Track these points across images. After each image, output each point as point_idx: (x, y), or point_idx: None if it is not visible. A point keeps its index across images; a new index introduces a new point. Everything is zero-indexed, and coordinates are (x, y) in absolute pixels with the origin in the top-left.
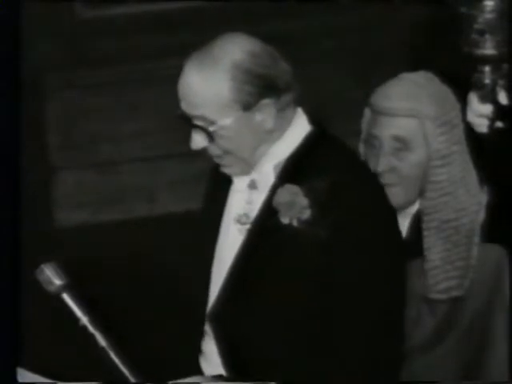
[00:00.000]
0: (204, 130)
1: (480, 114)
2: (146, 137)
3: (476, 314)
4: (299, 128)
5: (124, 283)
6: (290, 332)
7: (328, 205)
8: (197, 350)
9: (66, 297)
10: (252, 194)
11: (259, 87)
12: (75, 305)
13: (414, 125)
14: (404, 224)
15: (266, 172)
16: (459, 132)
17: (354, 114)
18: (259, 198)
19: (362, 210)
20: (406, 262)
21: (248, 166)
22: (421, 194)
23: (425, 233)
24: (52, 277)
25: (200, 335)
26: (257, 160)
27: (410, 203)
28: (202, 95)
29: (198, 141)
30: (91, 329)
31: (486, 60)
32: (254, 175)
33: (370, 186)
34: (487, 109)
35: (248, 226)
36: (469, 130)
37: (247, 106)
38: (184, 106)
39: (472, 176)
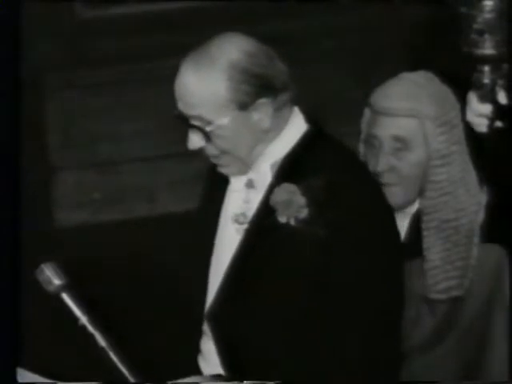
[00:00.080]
0: (201, 129)
1: (479, 113)
2: (146, 137)
3: (476, 314)
4: (296, 127)
5: (124, 283)
6: (288, 331)
7: (325, 204)
8: (195, 350)
9: (65, 297)
10: (249, 193)
11: (256, 87)
12: (75, 305)
13: (413, 125)
14: (403, 224)
15: (264, 171)
16: (459, 132)
17: (354, 114)
18: (256, 198)
19: (359, 208)
20: (403, 261)
21: (245, 166)
22: (420, 193)
23: (424, 233)
24: (52, 277)
25: (198, 335)
26: (254, 159)
27: (410, 203)
28: (199, 95)
29: (195, 141)
30: (91, 329)
31: (485, 60)
32: (251, 175)
33: (368, 184)
34: (487, 108)
35: (245, 226)
36: (468, 129)
37: (244, 106)
38: (181, 106)
39: (472, 176)
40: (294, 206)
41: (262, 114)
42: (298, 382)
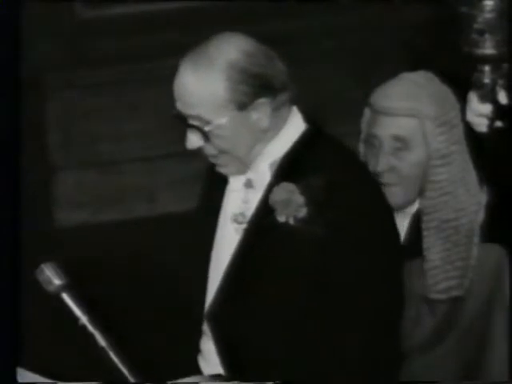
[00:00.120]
0: (199, 129)
1: (480, 113)
2: (146, 137)
3: (476, 314)
4: (294, 126)
5: (124, 283)
6: (288, 331)
7: (324, 203)
8: (195, 350)
9: (65, 297)
10: (248, 193)
11: (254, 87)
12: (75, 305)
13: (413, 124)
14: (403, 224)
15: (262, 171)
16: (459, 132)
17: (354, 113)
18: (255, 197)
19: (358, 208)
20: (403, 260)
21: (244, 166)
22: (420, 193)
23: (424, 233)
24: (52, 277)
25: (198, 335)
26: (252, 159)
27: (410, 203)
28: (198, 95)
29: (194, 140)
30: (91, 329)
31: (485, 60)
32: (250, 174)
33: (367, 184)
34: (487, 108)
35: (244, 226)
36: (468, 129)
37: (242, 106)
38: (180, 106)
39: (472, 176)
40: (292, 206)
41: (260, 113)
42: (298, 381)
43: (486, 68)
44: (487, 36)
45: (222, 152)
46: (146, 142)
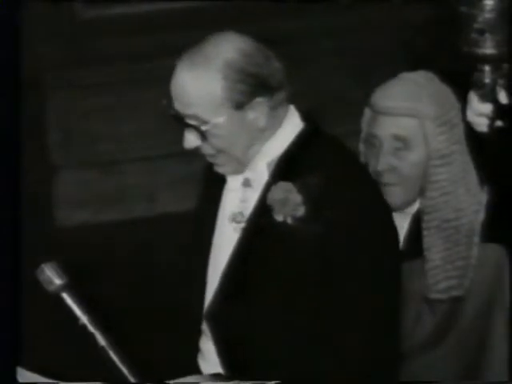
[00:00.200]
0: (197, 129)
1: (480, 113)
2: (146, 137)
3: (476, 314)
4: (292, 125)
5: (124, 283)
6: (287, 331)
7: (322, 201)
8: (195, 349)
9: (66, 296)
10: (246, 192)
11: (251, 86)
12: (75, 304)
13: (413, 124)
14: (404, 224)
15: (260, 170)
16: (459, 131)
17: (354, 113)
18: (253, 197)
19: (356, 206)
20: (401, 258)
21: (241, 165)
22: (421, 193)
23: (425, 232)
24: (52, 276)
25: (198, 334)
26: (250, 158)
27: (410, 203)
28: (195, 94)
29: (191, 140)
30: (91, 328)
31: (485, 59)
32: (247, 173)
33: (364, 182)
34: (487, 108)
35: (243, 225)
36: (469, 129)
37: (240, 105)
38: (177, 106)
39: (472, 175)
40: (290, 205)
41: (257, 112)
42: (298, 381)
43: (487, 68)
44: (487, 36)
45: (220, 151)
46: (145, 141)
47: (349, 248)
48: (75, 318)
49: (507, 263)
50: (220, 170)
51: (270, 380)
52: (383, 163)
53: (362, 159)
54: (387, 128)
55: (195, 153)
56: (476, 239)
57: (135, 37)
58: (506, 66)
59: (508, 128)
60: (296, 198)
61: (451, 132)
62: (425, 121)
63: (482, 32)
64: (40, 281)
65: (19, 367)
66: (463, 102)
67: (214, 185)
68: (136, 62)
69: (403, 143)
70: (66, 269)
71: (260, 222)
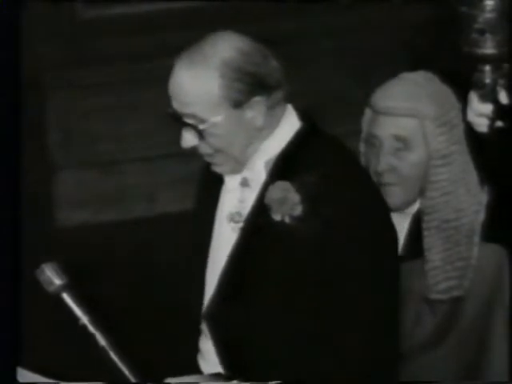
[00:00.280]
0: (194, 128)
1: (480, 113)
2: (146, 137)
3: (476, 314)
4: (289, 124)
5: (124, 283)
6: (286, 331)
7: (319, 200)
8: (195, 349)
9: (66, 296)
10: (244, 191)
11: (249, 85)
12: (75, 305)
13: (414, 124)
14: (404, 224)
15: (258, 169)
16: (459, 132)
17: (354, 113)
18: (251, 196)
19: (354, 204)
20: (399, 256)
21: (239, 165)
22: (421, 193)
23: (425, 233)
24: (52, 277)
25: (197, 334)
26: (248, 158)
27: (410, 203)
28: (193, 93)
29: (189, 139)
30: (91, 328)
31: (486, 59)
32: (245, 173)
33: (362, 180)
34: (487, 108)
35: (241, 225)
36: (469, 129)
37: (237, 104)
38: (175, 105)
39: (472, 176)
40: (288, 204)
41: (255, 112)
42: (298, 381)
43: (487, 68)
44: (488, 36)
45: (217, 151)
46: (145, 141)
47: (348, 248)
48: (75, 318)
49: (507, 263)
50: (218, 169)
51: (270, 380)
52: (383, 163)
53: (363, 159)
54: (387, 128)
55: (195, 153)
56: (476, 239)
57: (135, 37)
58: (506, 66)
59: (508, 128)
60: (294, 197)
61: (451, 132)
62: (425, 121)
63: (482, 32)
64: (40, 281)
65: (19, 367)
66: (463, 102)
67: (211, 185)
68: (136, 62)
69: (403, 143)
70: (66, 269)
71: (258, 221)
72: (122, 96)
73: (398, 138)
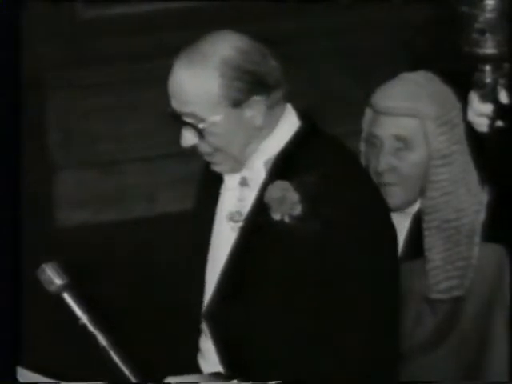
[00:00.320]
0: (194, 127)
1: (481, 113)
2: (146, 137)
3: (476, 314)
4: (289, 124)
5: (124, 283)
6: (286, 330)
7: (319, 200)
8: (195, 349)
9: (66, 296)
10: (243, 191)
11: (249, 84)
12: (76, 304)
13: (414, 124)
14: (404, 224)
15: (257, 169)
16: (460, 131)
17: (354, 113)
18: (251, 195)
19: (353, 203)
20: (398, 256)
21: (238, 164)
22: (421, 193)
23: (425, 233)
24: (53, 276)
25: (197, 334)
26: (247, 157)
27: (411, 203)
28: (192, 92)
29: (188, 138)
30: (91, 328)
31: (486, 59)
32: (244, 172)
33: (361, 179)
34: (488, 108)
35: (241, 224)
36: (469, 129)
37: (237, 103)
38: (174, 104)
39: (473, 175)
40: (287, 203)
41: (254, 111)
42: (298, 381)
43: (487, 68)
44: (488, 36)
45: (217, 150)
46: (145, 141)
47: (348, 248)
48: (76, 318)
49: (507, 263)
50: (217, 168)
51: (270, 380)
52: (384, 163)
53: (363, 159)
54: (388, 128)
55: (195, 153)
56: (477, 239)
57: (135, 37)
58: (506, 65)
59: (508, 128)
60: (293, 196)
61: (452, 132)
62: (425, 121)
63: (482, 32)
64: (41, 281)
65: (19, 367)
66: (464, 102)
67: (211, 184)
68: (136, 62)
69: (404, 143)
70: (66, 269)
71: (257, 220)
72: (122, 96)
73: (398, 138)
